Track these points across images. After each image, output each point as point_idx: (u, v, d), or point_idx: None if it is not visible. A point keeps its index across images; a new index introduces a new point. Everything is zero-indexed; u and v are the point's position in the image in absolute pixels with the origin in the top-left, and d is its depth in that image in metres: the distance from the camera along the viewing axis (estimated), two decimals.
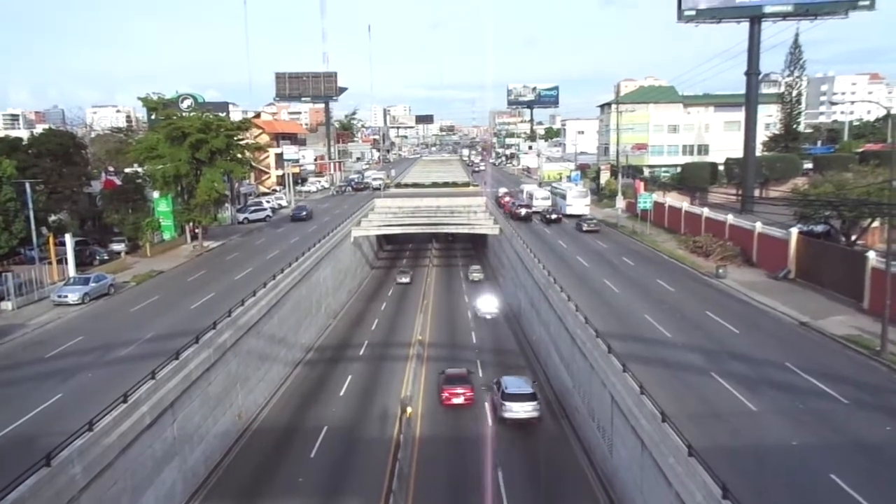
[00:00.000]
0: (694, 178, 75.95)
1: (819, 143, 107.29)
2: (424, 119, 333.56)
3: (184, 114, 59.48)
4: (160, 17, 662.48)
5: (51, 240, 43.48)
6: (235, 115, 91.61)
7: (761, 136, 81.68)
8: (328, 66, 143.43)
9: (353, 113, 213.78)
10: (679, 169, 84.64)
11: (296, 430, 32.52)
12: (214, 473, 27.92)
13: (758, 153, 72.40)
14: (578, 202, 68.45)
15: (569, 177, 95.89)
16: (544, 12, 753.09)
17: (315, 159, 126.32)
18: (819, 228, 42.60)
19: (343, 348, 46.54)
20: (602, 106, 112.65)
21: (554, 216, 65.92)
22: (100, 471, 19.62)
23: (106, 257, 49.84)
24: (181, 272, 46.03)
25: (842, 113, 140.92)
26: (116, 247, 52.51)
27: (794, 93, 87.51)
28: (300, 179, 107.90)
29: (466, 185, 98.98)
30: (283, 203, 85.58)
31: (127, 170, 64.16)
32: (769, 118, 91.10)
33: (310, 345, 46.30)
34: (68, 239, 42.59)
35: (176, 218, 55.02)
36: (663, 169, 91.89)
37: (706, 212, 52.57)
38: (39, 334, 31.90)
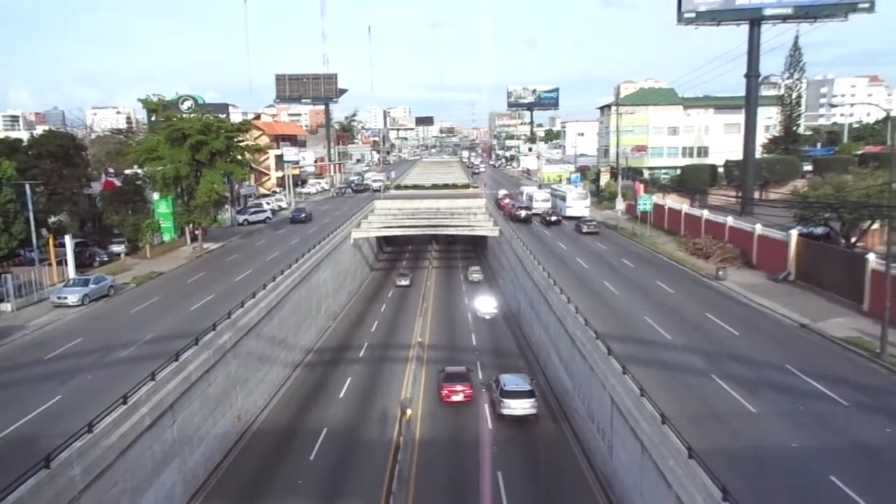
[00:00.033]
0: (694, 180, 75.96)
1: (819, 145, 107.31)
2: (424, 121, 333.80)
3: (184, 115, 59.49)
4: (160, 19, 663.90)
5: (50, 241, 43.46)
6: (235, 117, 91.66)
7: (761, 138, 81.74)
8: (328, 68, 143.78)
9: (353, 114, 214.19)
10: (679, 171, 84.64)
11: (295, 431, 32.50)
12: (214, 475, 27.89)
13: (757, 155, 72.47)
14: (578, 204, 68.51)
15: (568, 179, 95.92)
16: (544, 14, 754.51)
17: (315, 161, 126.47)
18: (819, 230, 42.62)
19: (343, 350, 46.50)
20: (602, 108, 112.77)
21: (554, 218, 65.95)
22: (99, 472, 19.60)
23: (106, 259, 49.79)
24: (181, 274, 46.02)
25: (841, 115, 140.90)
26: (116, 248, 52.49)
27: (794, 95, 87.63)
28: (300, 181, 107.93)
29: (466, 186, 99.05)
30: (283, 205, 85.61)
31: (127, 171, 64.18)
32: (769, 120, 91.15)
33: (310, 346, 46.28)
34: (68, 240, 42.57)
35: (176, 219, 55.02)
36: (663, 171, 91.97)
37: (706, 214, 52.58)
38: (39, 336, 31.89)
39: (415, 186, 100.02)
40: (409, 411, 33.18)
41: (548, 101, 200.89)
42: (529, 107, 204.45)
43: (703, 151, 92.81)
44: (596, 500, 25.46)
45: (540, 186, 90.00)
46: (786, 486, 17.43)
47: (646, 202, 58.58)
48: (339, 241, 59.28)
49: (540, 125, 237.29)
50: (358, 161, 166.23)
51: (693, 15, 64.16)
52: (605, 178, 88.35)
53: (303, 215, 70.66)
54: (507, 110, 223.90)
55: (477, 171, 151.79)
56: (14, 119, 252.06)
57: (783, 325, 31.43)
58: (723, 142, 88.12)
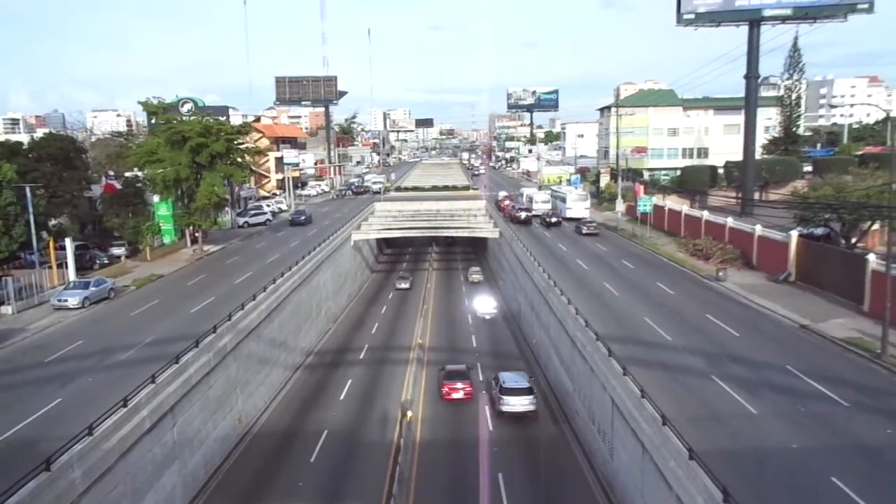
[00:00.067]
0: (694, 182, 75.98)
1: (818, 145, 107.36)
2: (424, 123, 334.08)
3: (184, 118, 59.50)
4: (160, 22, 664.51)
5: (51, 244, 43.47)
6: (235, 119, 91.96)
7: (761, 139, 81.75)
8: (328, 70, 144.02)
9: (353, 117, 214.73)
10: (679, 172, 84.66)
11: (296, 434, 32.49)
12: (214, 478, 27.87)
13: (757, 156, 72.46)
14: (578, 205, 68.55)
15: (569, 180, 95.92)
16: (544, 15, 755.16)
17: (315, 163, 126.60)
18: (819, 231, 42.62)
19: (343, 352, 46.49)
20: (602, 109, 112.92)
21: (554, 219, 65.98)
22: (100, 475, 19.59)
23: (106, 261, 49.80)
24: (181, 276, 46.03)
25: (841, 116, 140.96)
26: (116, 251, 52.51)
27: (794, 96, 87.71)
28: (300, 183, 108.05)
29: (466, 188, 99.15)
30: (283, 207, 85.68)
31: (127, 174, 64.25)
32: (769, 121, 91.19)
33: (310, 349, 46.27)
34: (68, 243, 42.59)
35: (176, 222, 55.03)
36: (663, 172, 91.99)
37: (706, 215, 52.59)
38: (39, 338, 31.89)
39: (415, 188, 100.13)
40: (409, 413, 33.18)
41: (547, 102, 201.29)
42: (529, 108, 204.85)
43: (702, 152, 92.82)
44: (596, 502, 25.43)
45: (540, 188, 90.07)
46: (786, 488, 17.41)
47: (646, 203, 58.59)
48: (339, 243, 59.30)
49: (540, 127, 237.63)
50: (358, 163, 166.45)
51: (692, 16, 64.22)
52: (605, 180, 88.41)
53: (302, 218, 70.64)
54: (506, 112, 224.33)
55: (477, 172, 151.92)
56: (14, 122, 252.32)
57: (783, 326, 31.42)
58: (723, 143, 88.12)
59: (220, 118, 64.81)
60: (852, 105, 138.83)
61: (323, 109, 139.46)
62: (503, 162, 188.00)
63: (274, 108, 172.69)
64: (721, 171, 79.27)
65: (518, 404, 32.86)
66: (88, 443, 19.15)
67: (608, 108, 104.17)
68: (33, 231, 42.30)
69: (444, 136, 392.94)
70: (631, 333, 30.60)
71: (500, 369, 37.61)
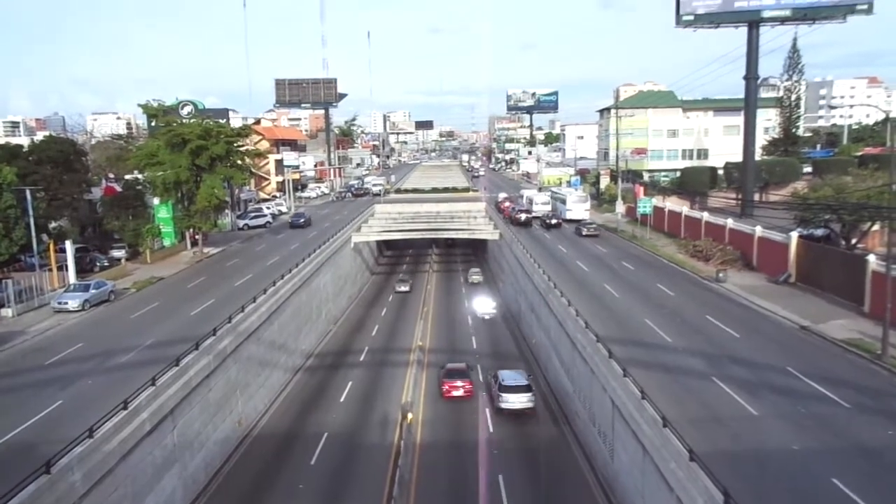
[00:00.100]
0: (693, 183, 76.01)
1: (818, 146, 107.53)
2: (424, 125, 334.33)
3: (184, 120, 59.51)
4: (160, 24, 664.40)
5: (51, 247, 43.49)
6: (235, 122, 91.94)
7: (760, 140, 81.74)
8: (328, 73, 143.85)
9: (353, 119, 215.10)
10: (678, 173, 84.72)
11: (296, 436, 32.47)
12: (214, 480, 27.85)
13: (757, 157, 72.44)
14: (578, 207, 68.57)
15: (568, 182, 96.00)
16: (543, 17, 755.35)
17: (315, 165, 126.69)
18: (819, 232, 42.62)
19: (343, 354, 46.48)
20: (601, 111, 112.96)
21: (554, 221, 66.00)
22: (100, 478, 19.57)
23: (106, 264, 49.82)
24: (181, 278, 46.04)
25: (841, 116, 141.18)
26: (117, 253, 52.55)
27: (793, 97, 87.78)
28: (300, 185, 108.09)
29: (466, 190, 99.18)
30: (283, 209, 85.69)
31: (127, 176, 64.27)
32: (768, 122, 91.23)
33: (310, 351, 46.25)
34: (68, 246, 42.58)
35: (176, 224, 55.06)
36: (663, 173, 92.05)
37: (706, 216, 52.60)
38: (39, 341, 31.87)
39: (415, 190, 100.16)
40: (409, 415, 33.17)
41: (547, 104, 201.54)
42: (529, 110, 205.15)
43: (702, 154, 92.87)
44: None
45: (540, 189, 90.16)
46: (787, 489, 17.40)
47: (646, 205, 58.62)
48: (339, 246, 59.30)
49: (539, 128, 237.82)
50: (358, 165, 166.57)
51: (692, 17, 64.24)
52: (604, 181, 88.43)
53: (301, 220, 70.59)
54: (506, 114, 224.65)
55: (477, 174, 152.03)
56: (14, 125, 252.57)
57: (784, 328, 31.41)
58: (722, 144, 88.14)
59: (220, 121, 64.79)
60: (852, 106, 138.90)
61: (323, 112, 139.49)
62: (503, 164, 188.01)
63: (274, 110, 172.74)
64: (721, 172, 79.32)
65: (517, 401, 33.49)
66: (89, 445, 19.13)
67: (608, 109, 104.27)
68: (33, 234, 42.30)
69: (443, 138, 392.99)
70: (631, 335, 30.58)
71: (499, 370, 37.61)
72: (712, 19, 64.03)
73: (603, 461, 27.19)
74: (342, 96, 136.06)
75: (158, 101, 60.94)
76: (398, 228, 73.54)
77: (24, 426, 21.53)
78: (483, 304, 56.41)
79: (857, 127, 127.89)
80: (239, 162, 56.64)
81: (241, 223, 71.66)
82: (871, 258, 32.55)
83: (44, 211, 47.79)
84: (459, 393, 36.11)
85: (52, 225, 51.16)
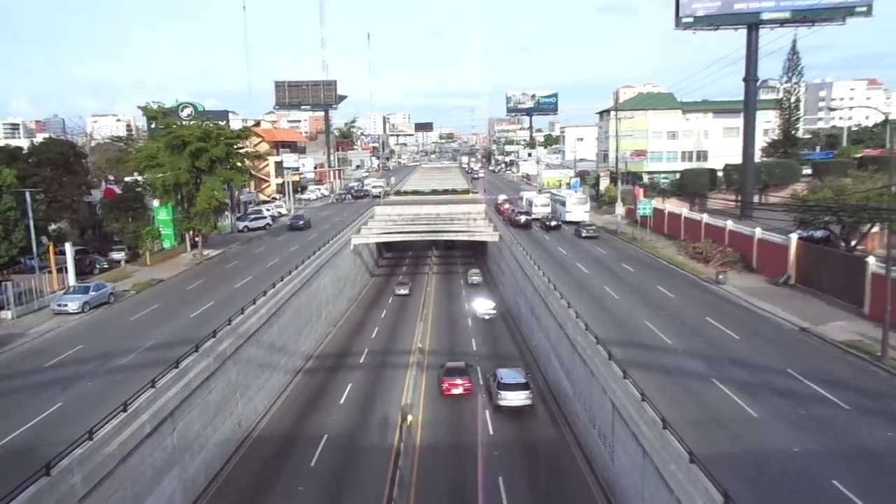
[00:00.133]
0: (693, 185, 76.06)
1: (818, 148, 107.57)
2: (424, 127, 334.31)
3: (184, 122, 59.55)
4: (160, 26, 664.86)
5: (51, 249, 43.51)
6: (235, 124, 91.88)
7: (760, 141, 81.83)
8: (328, 75, 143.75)
9: (353, 121, 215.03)
10: (678, 175, 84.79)
11: (296, 438, 32.45)
12: (214, 482, 27.82)
13: (757, 159, 72.53)
14: (578, 209, 68.59)
15: (568, 183, 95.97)
16: (542, 19, 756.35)
17: (315, 167, 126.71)
18: (819, 234, 42.63)
19: (343, 356, 46.46)
20: (601, 113, 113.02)
21: (553, 223, 66.03)
22: (100, 480, 19.57)
23: (106, 266, 49.83)
24: (181, 281, 46.04)
25: (840, 118, 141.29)
26: (116, 255, 52.54)
27: (793, 99, 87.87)
28: (300, 187, 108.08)
29: (466, 192, 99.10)
30: (283, 211, 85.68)
31: (127, 178, 64.29)
32: (768, 124, 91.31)
33: (310, 353, 46.23)
34: (68, 248, 42.63)
35: (176, 226, 55.09)
36: (662, 175, 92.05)
37: (706, 218, 52.62)
38: (39, 343, 31.87)
39: (414, 192, 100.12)
40: (409, 417, 33.16)
41: (547, 106, 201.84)
42: (528, 112, 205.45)
43: (702, 155, 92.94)
44: None
45: (539, 191, 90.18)
46: (787, 491, 17.40)
47: (645, 206, 58.64)
48: (339, 248, 59.30)
49: (539, 130, 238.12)
50: (357, 167, 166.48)
51: (691, 20, 64.35)
52: (604, 183, 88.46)
53: (301, 222, 70.58)
54: (506, 115, 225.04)
55: (476, 176, 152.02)
56: (14, 127, 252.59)
57: (784, 329, 31.42)
58: (722, 146, 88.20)
59: (220, 122, 64.86)
60: (851, 108, 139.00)
61: (322, 114, 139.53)
62: (502, 165, 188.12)
63: (273, 112, 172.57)
64: (720, 174, 79.40)
65: (515, 399, 34.09)
66: (88, 447, 19.13)
67: (607, 111, 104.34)
68: (33, 236, 42.31)
69: (443, 140, 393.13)
70: (631, 337, 30.59)
71: (498, 368, 37.70)
72: (712, 21, 64.16)
73: (603, 463, 27.17)
74: (342, 98, 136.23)
75: (158, 103, 61.06)
76: (398, 230, 73.52)
77: (24, 428, 21.53)
78: (482, 305, 56.51)
79: (856, 129, 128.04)
80: (239, 164, 56.70)
81: (240, 225, 71.66)
82: (871, 260, 32.57)
83: (43, 213, 47.81)
84: (459, 391, 36.66)
85: (52, 227, 51.17)
